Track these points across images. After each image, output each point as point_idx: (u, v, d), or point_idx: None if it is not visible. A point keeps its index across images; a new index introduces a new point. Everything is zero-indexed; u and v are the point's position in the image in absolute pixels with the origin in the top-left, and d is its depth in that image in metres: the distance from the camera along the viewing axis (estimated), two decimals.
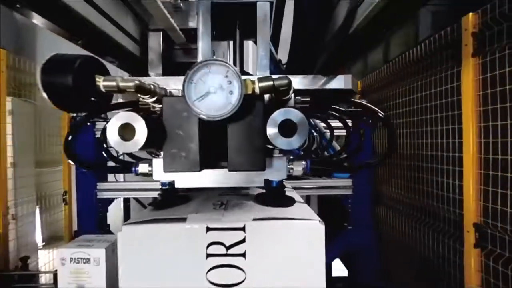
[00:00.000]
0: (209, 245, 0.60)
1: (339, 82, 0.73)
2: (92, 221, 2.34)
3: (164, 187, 0.71)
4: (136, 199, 2.89)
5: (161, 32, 0.92)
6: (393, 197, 2.20)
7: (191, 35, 0.95)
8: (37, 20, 0.67)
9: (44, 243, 2.96)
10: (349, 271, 2.41)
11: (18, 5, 0.62)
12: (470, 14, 1.40)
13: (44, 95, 0.61)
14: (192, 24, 0.94)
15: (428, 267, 1.78)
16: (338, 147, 1.11)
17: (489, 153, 1.34)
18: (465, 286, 1.47)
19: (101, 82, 0.59)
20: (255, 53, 0.76)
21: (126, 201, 2.96)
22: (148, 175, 0.71)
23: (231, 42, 0.94)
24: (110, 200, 2.48)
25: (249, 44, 1.31)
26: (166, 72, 0.91)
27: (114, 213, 2.72)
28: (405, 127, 1.93)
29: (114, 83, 0.59)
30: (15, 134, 2.42)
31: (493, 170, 1.32)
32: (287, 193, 0.72)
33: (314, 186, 2.33)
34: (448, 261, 1.61)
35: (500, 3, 1.24)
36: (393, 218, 2.19)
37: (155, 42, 0.93)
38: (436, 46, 1.64)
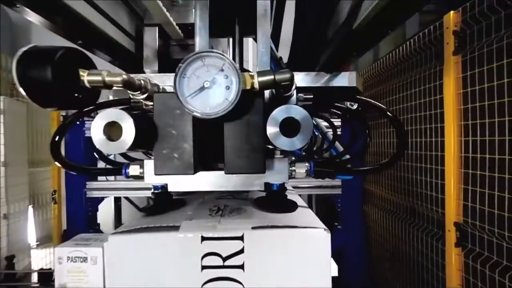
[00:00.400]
0: (204, 256, 0.52)
1: (343, 80, 0.66)
2: (81, 220, 2.23)
3: (156, 191, 0.62)
4: (127, 198, 2.77)
5: (157, 27, 0.83)
6: (381, 196, 2.14)
7: (189, 30, 0.85)
8: (33, 18, 0.58)
9: (38, 242, 2.82)
10: (338, 270, 2.33)
11: (17, 6, 0.52)
12: (452, 12, 1.34)
13: (21, 90, 0.51)
14: (189, 19, 0.84)
15: (414, 266, 1.72)
16: (340, 148, 1.03)
17: (469, 152, 1.29)
18: (446, 286, 1.41)
19: (85, 77, 0.50)
20: (255, 52, 0.67)
21: (118, 200, 2.84)
22: (140, 177, 0.62)
23: (230, 40, 0.85)
24: (100, 199, 2.36)
25: (249, 42, 1.22)
26: (162, 70, 0.81)
27: (105, 212, 2.61)
28: (392, 126, 1.85)
29: (99, 78, 0.49)
30: (7, 133, 2.32)
31: (472, 169, 1.27)
32: (289, 196, 0.63)
33: (304, 186, 2.22)
34: (432, 260, 1.55)
35: (480, 1, 1.18)
36: (381, 217, 2.13)
37: (151, 37, 0.83)
38: (420, 44, 1.58)
